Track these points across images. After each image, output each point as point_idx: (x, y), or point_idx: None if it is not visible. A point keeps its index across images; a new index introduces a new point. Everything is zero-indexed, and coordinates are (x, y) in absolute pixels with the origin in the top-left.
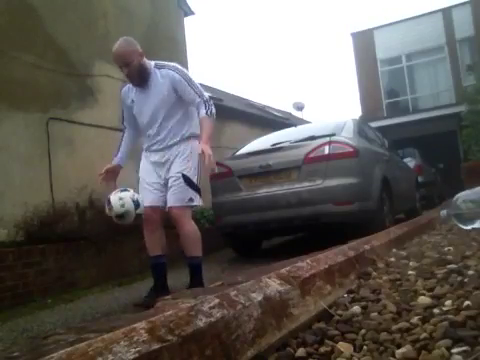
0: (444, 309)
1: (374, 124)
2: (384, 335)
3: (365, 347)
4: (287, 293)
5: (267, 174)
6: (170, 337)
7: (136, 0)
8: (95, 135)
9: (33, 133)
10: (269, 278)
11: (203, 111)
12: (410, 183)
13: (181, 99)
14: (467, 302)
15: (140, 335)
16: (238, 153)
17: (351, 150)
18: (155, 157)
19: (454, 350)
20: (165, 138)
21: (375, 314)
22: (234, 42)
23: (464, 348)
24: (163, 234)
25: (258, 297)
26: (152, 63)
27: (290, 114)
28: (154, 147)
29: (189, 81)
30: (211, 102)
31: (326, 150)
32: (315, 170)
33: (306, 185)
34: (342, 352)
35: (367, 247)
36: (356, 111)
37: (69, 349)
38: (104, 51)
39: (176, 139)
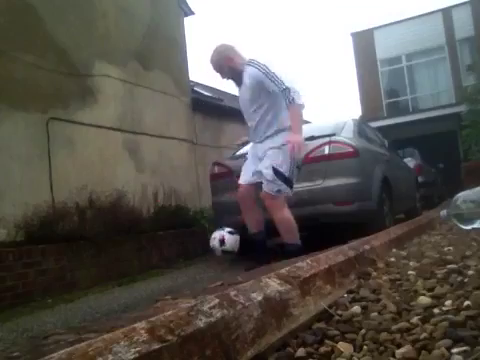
0: (444, 309)
1: (374, 124)
2: (384, 335)
3: (365, 347)
4: (287, 293)
5: None
6: (170, 337)
7: (136, 0)
8: (95, 135)
9: (33, 133)
10: (269, 278)
11: (285, 102)
12: (410, 183)
13: (267, 93)
14: (467, 302)
15: (140, 335)
16: (238, 153)
17: (351, 150)
18: (255, 149)
19: (454, 350)
20: (259, 131)
21: (375, 314)
22: (234, 42)
23: (464, 348)
24: (258, 212)
25: (258, 297)
26: (246, 60)
27: None
28: (253, 139)
29: (267, 74)
30: (291, 90)
31: (326, 150)
32: (315, 170)
33: (306, 185)
34: (342, 352)
35: (367, 247)
36: (356, 111)
37: (69, 349)
38: (104, 51)
39: (269, 132)
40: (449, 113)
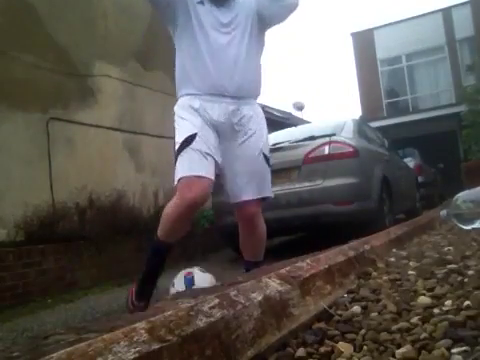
0: (444, 309)
1: (374, 124)
2: (384, 335)
3: (365, 347)
4: (287, 293)
5: None
6: (170, 337)
7: (136, 0)
8: (95, 135)
9: (33, 133)
10: (269, 278)
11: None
12: (410, 183)
13: (263, 36)
14: (467, 302)
15: (140, 335)
16: None
17: (351, 150)
18: (216, 111)
19: (454, 350)
20: (237, 78)
21: (375, 314)
22: None
23: (464, 348)
24: None
25: (258, 297)
26: None
27: (290, 114)
28: (217, 87)
29: None
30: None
31: (326, 150)
32: (315, 170)
33: (306, 185)
34: (342, 352)
35: (367, 247)
36: (356, 111)
37: (69, 349)
38: (104, 51)
39: (252, 91)
40: (449, 113)
